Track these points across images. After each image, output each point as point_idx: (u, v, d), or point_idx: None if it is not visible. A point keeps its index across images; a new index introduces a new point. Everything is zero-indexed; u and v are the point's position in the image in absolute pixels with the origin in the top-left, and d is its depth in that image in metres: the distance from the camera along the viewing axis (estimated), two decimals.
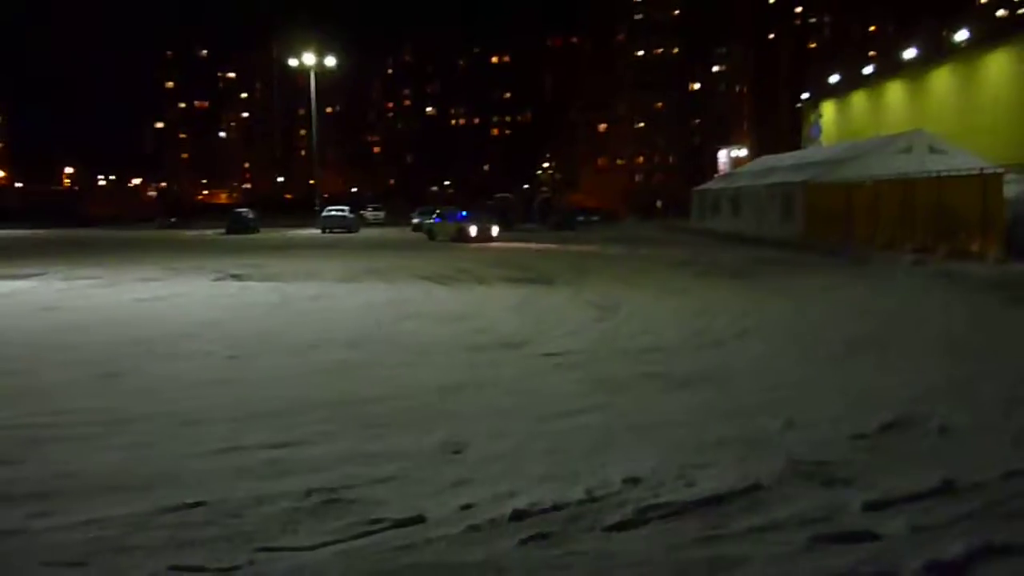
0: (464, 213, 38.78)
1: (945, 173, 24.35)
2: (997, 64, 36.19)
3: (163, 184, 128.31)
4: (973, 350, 9.38)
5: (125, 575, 3.77)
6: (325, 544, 4.07)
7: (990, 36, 40.46)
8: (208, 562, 3.90)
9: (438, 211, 43.00)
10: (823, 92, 56.67)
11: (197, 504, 4.59)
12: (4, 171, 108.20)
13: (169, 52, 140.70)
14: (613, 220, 63.60)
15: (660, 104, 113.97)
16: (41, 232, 48.37)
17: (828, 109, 53.83)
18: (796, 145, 57.81)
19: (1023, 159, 23.52)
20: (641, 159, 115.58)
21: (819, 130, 53.48)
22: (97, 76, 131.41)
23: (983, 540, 4.00)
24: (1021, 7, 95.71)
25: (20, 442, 5.90)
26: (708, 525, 4.31)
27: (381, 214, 66.04)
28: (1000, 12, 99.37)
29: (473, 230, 35.10)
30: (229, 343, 10.17)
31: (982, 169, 23.23)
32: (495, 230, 36.86)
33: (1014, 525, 4.27)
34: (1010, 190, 21.52)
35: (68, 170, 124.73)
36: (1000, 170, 22.57)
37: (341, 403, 7.02)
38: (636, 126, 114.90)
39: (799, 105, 61.22)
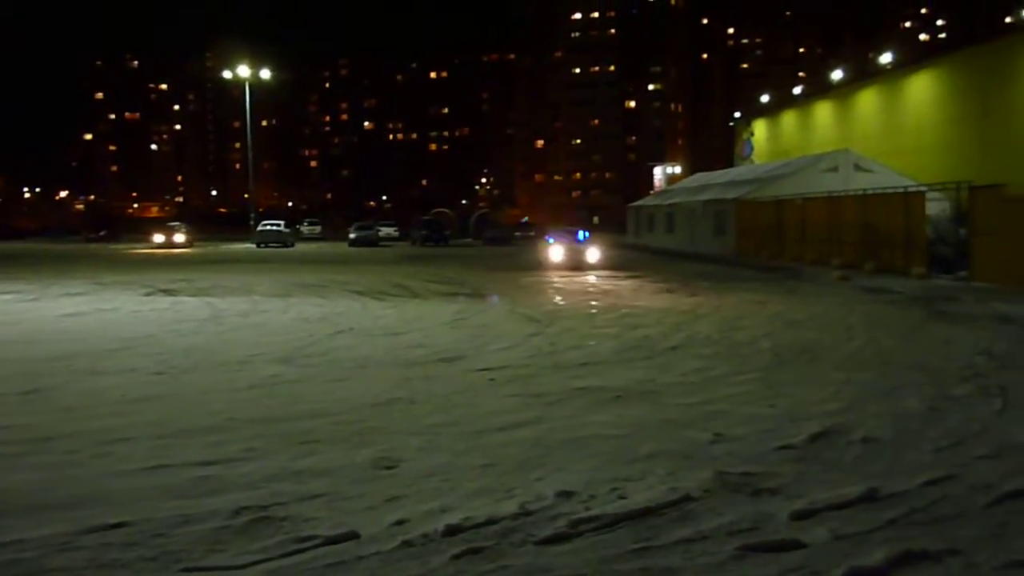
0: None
1: (870, 191, 25.09)
2: (919, 86, 37.46)
3: (91, 197, 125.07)
4: (896, 362, 9.66)
5: None
6: (254, 563, 4.00)
7: (913, 59, 41.88)
8: None
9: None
10: (755, 111, 57.99)
11: (120, 524, 4.47)
12: None
13: (99, 62, 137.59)
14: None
15: (596, 121, 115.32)
16: None
17: (760, 128, 55.06)
18: (729, 162, 59.04)
19: (944, 178, 24.34)
20: (578, 175, 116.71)
21: (751, 148, 54.64)
22: (23, 85, 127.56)
23: (903, 547, 4.12)
24: (942, 32, 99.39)
25: None
26: (639, 537, 4.35)
27: (317, 228, 65.46)
28: (922, 36, 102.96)
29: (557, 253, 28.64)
30: (157, 359, 9.94)
31: (906, 188, 23.99)
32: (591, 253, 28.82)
33: (933, 531, 4.40)
34: (932, 208, 22.27)
35: None
36: (923, 188, 23.33)
37: (272, 420, 6.91)
38: (573, 143, 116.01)
39: (732, 123, 62.49)
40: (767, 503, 4.85)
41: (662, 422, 6.82)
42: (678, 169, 74.73)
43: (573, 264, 28.04)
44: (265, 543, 4.24)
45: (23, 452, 5.96)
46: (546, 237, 31.85)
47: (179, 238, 47.49)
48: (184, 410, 7.29)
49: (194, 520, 4.57)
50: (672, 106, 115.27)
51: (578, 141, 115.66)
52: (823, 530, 4.40)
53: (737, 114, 62.16)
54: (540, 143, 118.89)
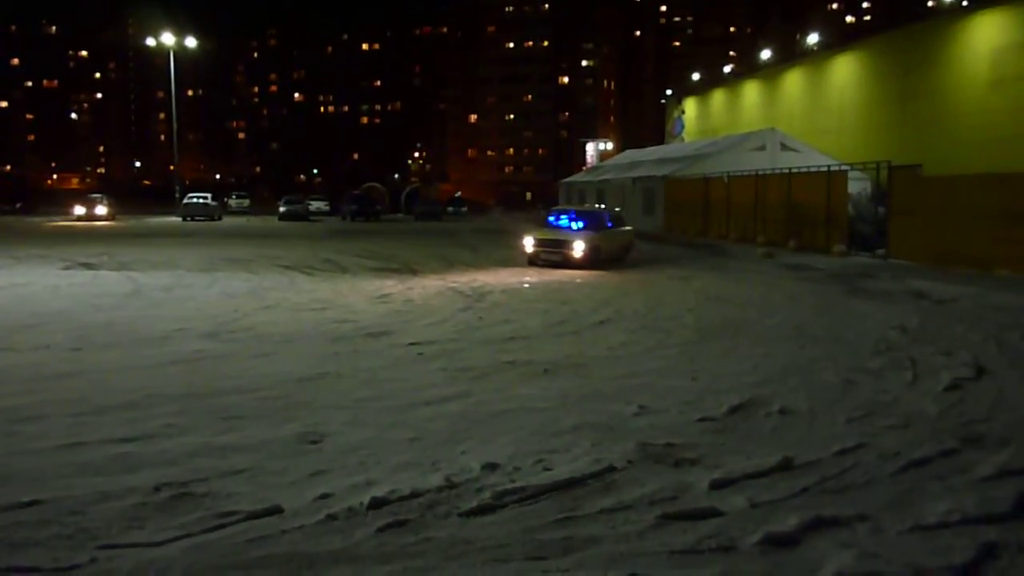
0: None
1: (795, 170, 25.65)
2: (843, 67, 38.31)
3: (7, 167, 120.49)
4: (814, 336, 9.95)
5: None
6: (174, 539, 3.95)
7: (838, 41, 42.82)
8: (45, 562, 3.71)
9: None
10: (686, 89, 58.64)
11: (33, 503, 4.36)
12: None
13: (13, 27, 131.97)
14: (482, 211, 63.97)
15: (529, 97, 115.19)
16: None
17: (690, 106, 55.71)
18: (660, 140, 59.67)
19: (865, 158, 25.00)
20: (511, 151, 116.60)
21: (682, 126, 55.28)
22: None
23: (815, 513, 4.26)
24: (868, 14, 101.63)
25: None
26: (563, 508, 4.41)
27: (246, 202, 64.22)
28: (848, 18, 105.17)
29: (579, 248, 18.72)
30: (74, 335, 9.67)
31: (829, 167, 24.58)
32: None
33: (843, 498, 4.57)
34: (853, 187, 22.88)
35: None
36: (845, 168, 23.95)
37: (194, 395, 6.79)
38: (506, 118, 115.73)
39: (663, 101, 63.10)
40: (687, 473, 4.97)
41: (587, 395, 6.91)
42: (610, 146, 75.17)
43: (484, 241, 26.76)
44: (185, 519, 4.18)
45: None
46: (550, 218, 20.74)
47: (101, 211, 46.06)
48: (102, 387, 7.11)
49: (112, 497, 4.48)
50: (604, 83, 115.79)
51: (511, 117, 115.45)
52: (740, 498, 4.52)
53: (668, 92, 62.75)
54: (473, 118, 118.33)
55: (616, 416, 6.23)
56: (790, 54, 48.62)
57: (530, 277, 16.62)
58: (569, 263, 18.44)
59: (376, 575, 3.61)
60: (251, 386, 7.15)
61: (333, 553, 3.84)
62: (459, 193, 72.78)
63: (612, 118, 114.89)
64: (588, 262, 18.39)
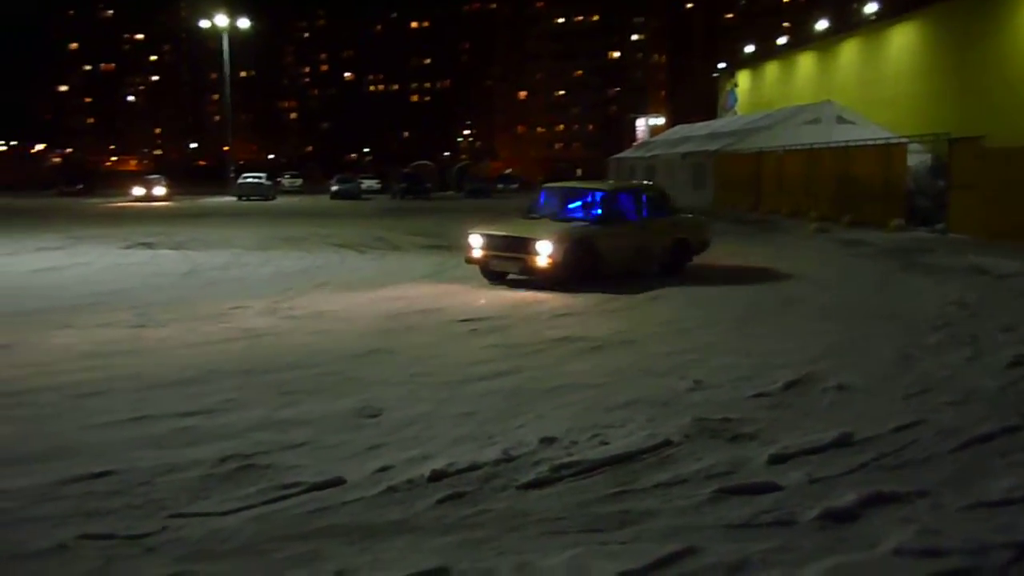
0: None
1: (852, 143, 25.16)
2: (901, 37, 37.36)
3: (68, 150, 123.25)
4: (870, 312, 9.80)
5: (32, 545, 3.70)
6: (239, 509, 4.06)
7: (895, 9, 41.71)
8: (119, 530, 3.85)
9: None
10: (738, 62, 57.72)
11: (103, 474, 4.51)
12: None
13: (71, 11, 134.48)
14: (532, 188, 63.84)
15: (579, 72, 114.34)
16: None
17: (743, 79, 54.84)
18: (712, 114, 58.85)
19: (923, 130, 24.43)
20: (560, 127, 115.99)
21: (734, 100, 54.47)
22: None
23: (874, 489, 4.23)
24: None
25: None
26: (619, 481, 4.43)
27: (298, 181, 64.91)
28: None
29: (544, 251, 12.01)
30: (135, 312, 9.91)
31: (888, 140, 24.07)
32: None
33: (903, 474, 4.52)
34: (912, 160, 22.38)
35: None
36: (904, 140, 23.42)
37: (253, 371, 6.95)
38: (555, 94, 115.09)
39: (715, 75, 62.19)
40: (744, 448, 4.95)
41: (640, 371, 6.92)
42: (660, 121, 74.42)
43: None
44: (249, 490, 4.29)
45: None
46: (540, 199, 13.78)
47: (158, 191, 46.99)
48: (163, 362, 7.31)
49: (178, 469, 4.62)
50: (655, 57, 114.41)
51: (560, 93, 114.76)
52: (798, 473, 4.50)
53: (720, 65, 61.83)
54: (522, 95, 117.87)
55: (670, 391, 6.22)
56: (846, 24, 47.53)
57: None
58: (534, 276, 11.71)
59: (436, 546, 3.67)
60: (307, 362, 7.28)
61: (394, 524, 3.91)
62: (509, 170, 72.69)
63: (663, 93, 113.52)
64: (559, 275, 11.38)
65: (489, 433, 5.22)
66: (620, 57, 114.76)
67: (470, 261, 12.44)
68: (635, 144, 61.83)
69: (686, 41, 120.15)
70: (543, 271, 11.42)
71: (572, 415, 5.60)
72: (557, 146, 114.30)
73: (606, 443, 5.00)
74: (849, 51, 42.13)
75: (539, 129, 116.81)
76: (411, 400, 6.03)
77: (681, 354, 7.56)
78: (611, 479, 4.47)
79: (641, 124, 73.23)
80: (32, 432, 5.34)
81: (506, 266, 12.03)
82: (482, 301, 10.96)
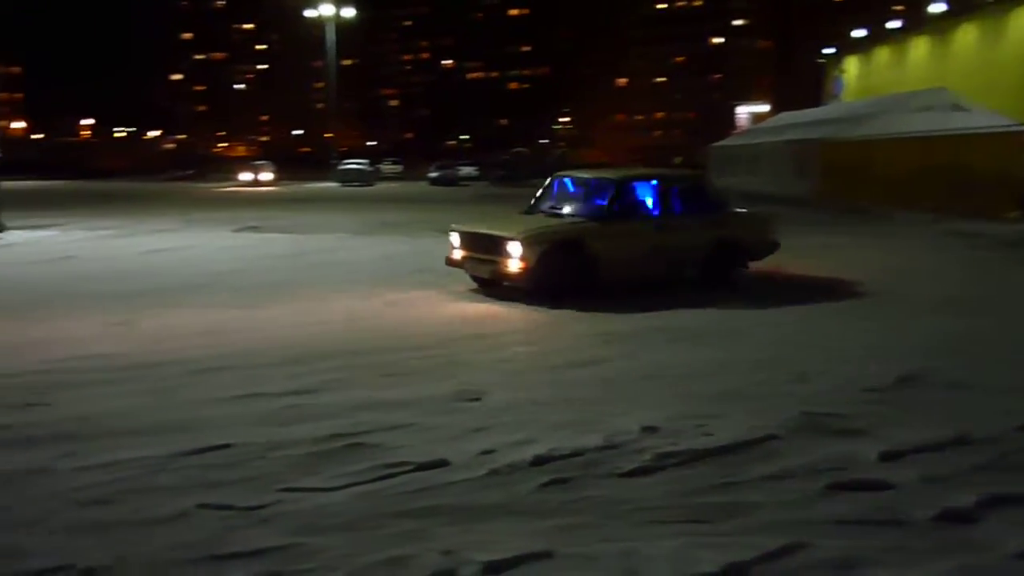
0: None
1: (967, 131, 24.07)
2: (1022, 21, 35.48)
3: (181, 137, 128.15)
4: (984, 307, 9.38)
5: (156, 512, 3.88)
6: (347, 486, 4.17)
7: None
8: (235, 501, 4.00)
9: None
10: (846, 47, 55.80)
11: (221, 447, 4.71)
12: (23, 123, 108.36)
13: (184, 2, 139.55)
14: None
15: (680, 58, 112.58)
16: (58, 183, 48.52)
17: (851, 64, 53.01)
18: (817, 101, 57.11)
19: None
20: (660, 115, 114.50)
21: (841, 86, 52.72)
22: (113, 29, 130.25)
23: (993, 490, 4.06)
24: None
25: (40, 387, 6.01)
26: (724, 473, 4.38)
27: (398, 168, 65.91)
28: None
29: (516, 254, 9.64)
30: (243, 293, 10.26)
31: (1007, 127, 22.94)
32: None
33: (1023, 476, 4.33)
34: None
35: (86, 122, 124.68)
36: (1022, 128, 22.29)
37: (358, 352, 7.11)
38: (654, 81, 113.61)
39: (822, 60, 60.28)
40: (854, 444, 4.81)
41: (743, 361, 6.80)
42: (763, 108, 72.67)
43: None
44: (356, 468, 4.40)
45: (116, 379, 6.26)
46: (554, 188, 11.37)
47: (265, 176, 48.46)
48: (272, 342, 7.55)
49: (288, 445, 4.76)
50: (758, 43, 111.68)
51: (660, 80, 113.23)
52: (911, 472, 4.36)
53: (827, 50, 59.90)
54: (621, 82, 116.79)
55: (774, 383, 6.10)
56: (963, 7, 45.40)
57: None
58: (509, 283, 9.88)
59: (539, 529, 3.70)
60: (410, 344, 7.41)
61: (497, 507, 3.96)
62: (605, 160, 72.21)
63: (766, 79, 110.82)
64: (534, 284, 9.52)
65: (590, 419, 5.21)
66: (722, 43, 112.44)
67: (450, 263, 10.54)
68: (736, 132, 60.55)
69: (791, 26, 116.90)
70: (515, 278, 9.53)
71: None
72: (656, 133, 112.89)
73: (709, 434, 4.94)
74: (966, 35, 40.22)
75: (637, 116, 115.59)
76: (511, 384, 6.07)
77: (784, 345, 7.38)
78: (714, 470, 4.42)
79: (742, 111, 71.66)
80: (153, 405, 5.59)
81: (479, 270, 10.16)
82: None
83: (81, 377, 6.28)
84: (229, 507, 3.95)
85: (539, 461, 4.47)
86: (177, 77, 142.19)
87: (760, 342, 7.58)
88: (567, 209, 10.43)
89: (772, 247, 11.11)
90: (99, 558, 3.43)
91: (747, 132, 54.01)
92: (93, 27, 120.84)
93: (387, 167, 64.57)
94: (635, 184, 10.73)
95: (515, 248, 9.34)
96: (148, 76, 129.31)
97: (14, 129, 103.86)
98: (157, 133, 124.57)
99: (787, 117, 48.44)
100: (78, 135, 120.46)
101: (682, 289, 10.20)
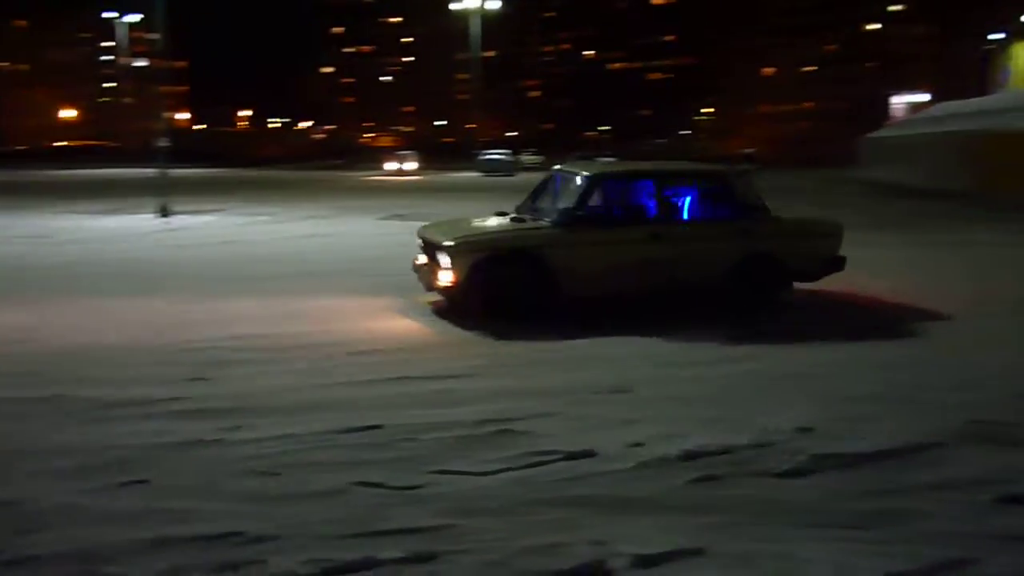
0: None
1: None
2: None
3: (332, 127, 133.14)
4: None
5: (314, 486, 4.05)
6: (499, 471, 4.23)
7: None
8: (388, 480, 4.12)
9: None
10: (1015, 32, 52.25)
11: (374, 427, 4.86)
12: (187, 113, 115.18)
13: None
14: (773, 169, 61.36)
15: (832, 47, 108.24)
16: (217, 171, 51.24)
17: (1020, 51, 49.61)
18: (982, 90, 53.77)
19: None
20: (809, 105, 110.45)
21: (1009, 74, 49.44)
22: (267, 23, 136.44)
23: None
24: None
25: (203, 364, 6.35)
26: (883, 479, 4.19)
27: (538, 158, 66.25)
28: None
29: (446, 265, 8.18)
30: (398, 278, 10.50)
31: None
32: None
33: None
34: None
35: (242, 113, 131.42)
36: None
37: (503, 339, 7.18)
38: (803, 70, 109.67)
39: (987, 47, 56.67)
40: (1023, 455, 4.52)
41: (895, 363, 6.48)
42: (922, 97, 68.97)
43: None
44: (506, 454, 4.45)
45: (274, 359, 6.55)
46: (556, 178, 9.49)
47: (410, 166, 49.75)
48: (413, 329, 7.78)
49: (438, 428, 4.87)
50: (917, 28, 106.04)
51: (810, 68, 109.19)
52: None
53: (994, 36, 56.28)
54: (767, 71, 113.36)
55: (933, 388, 5.78)
56: None
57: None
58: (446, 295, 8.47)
59: (690, 526, 3.64)
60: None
61: (647, 500, 3.92)
62: (750, 149, 70.32)
63: (924, 68, 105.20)
64: (469, 302, 8.03)
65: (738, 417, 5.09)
66: (878, 29, 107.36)
67: (415, 268, 8.98)
68: (892, 122, 57.78)
69: (954, 10, 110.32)
70: (445, 293, 8.24)
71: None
72: (804, 125, 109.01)
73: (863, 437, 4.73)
74: None
75: (784, 107, 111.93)
76: (659, 378, 6.01)
77: (941, 348, 6.99)
78: (873, 475, 4.23)
79: (898, 101, 68.31)
80: (309, 384, 5.83)
81: (425, 279, 8.60)
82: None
83: (241, 355, 6.61)
84: (381, 485, 4.08)
85: (688, 456, 4.40)
86: (327, 70, 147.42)
87: (921, 346, 7.19)
88: (543, 210, 8.69)
89: (831, 265, 8.79)
90: (265, 527, 3.60)
91: (904, 123, 51.46)
92: (251, 23, 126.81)
93: (527, 158, 65.03)
94: (616, 182, 8.89)
95: (444, 258, 7.96)
96: (300, 69, 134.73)
97: (178, 120, 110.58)
98: (308, 124, 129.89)
99: (948, 107, 45.84)
100: (235, 125, 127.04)
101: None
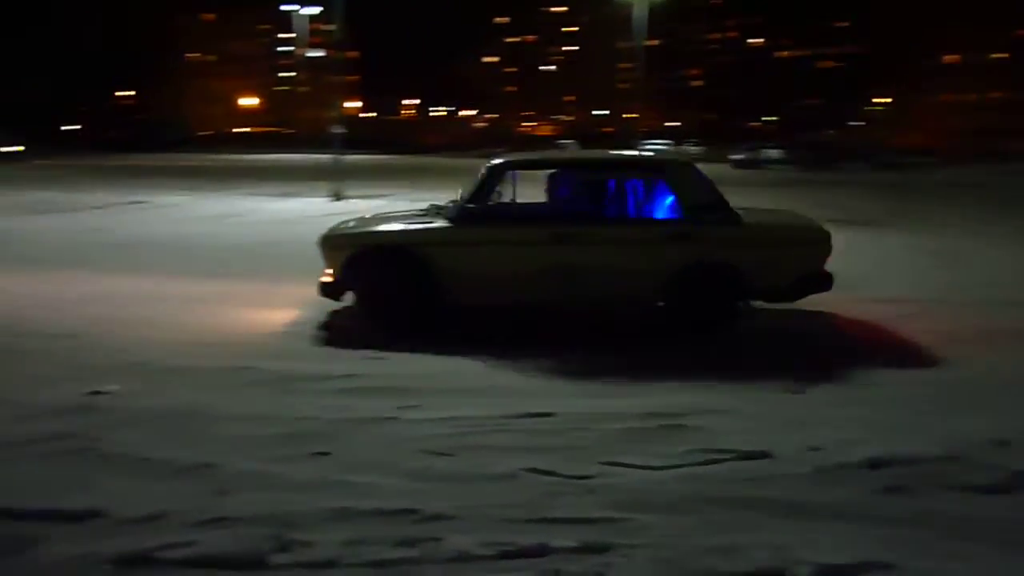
0: None
1: None
2: None
3: (493, 116, 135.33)
4: None
5: (487, 470, 4.11)
6: (672, 467, 4.17)
7: None
8: (559, 468, 4.14)
9: None
10: None
11: (546, 414, 4.89)
12: (359, 102, 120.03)
13: None
14: (952, 164, 57.69)
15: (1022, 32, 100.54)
16: (384, 157, 52.93)
17: None
18: None
19: None
20: (996, 94, 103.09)
21: None
22: (435, 13, 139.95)
23: None
24: None
25: (376, 343, 6.52)
26: None
27: (699, 149, 64.98)
28: None
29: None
30: None
31: None
32: None
33: None
34: None
35: (409, 102, 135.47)
36: None
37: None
38: (990, 56, 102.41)
39: None
40: None
41: None
42: None
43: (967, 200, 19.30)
44: (679, 449, 4.37)
45: (447, 340, 6.64)
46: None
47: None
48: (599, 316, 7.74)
49: (608, 419, 4.84)
50: None
51: (1000, 55, 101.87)
52: None
53: None
54: (950, 58, 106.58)
55: None
56: None
57: (1012, 239, 14.41)
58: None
59: (875, 537, 3.47)
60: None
61: (827, 507, 3.76)
62: (929, 145, 66.38)
63: None
64: (357, 302, 7.16)
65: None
66: None
67: None
68: None
69: None
70: (326, 294, 7.19)
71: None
72: (989, 116, 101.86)
73: None
74: None
75: (968, 96, 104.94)
76: (836, 379, 5.77)
77: None
78: None
79: None
80: (484, 368, 5.96)
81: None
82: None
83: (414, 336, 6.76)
84: (553, 473, 4.09)
85: (872, 464, 4.19)
86: (491, 59, 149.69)
87: None
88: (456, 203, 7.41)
89: (811, 281, 7.08)
90: (440, 506, 3.69)
91: None
92: (420, 15, 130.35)
93: (689, 148, 63.96)
94: (520, 172, 7.71)
95: (321, 251, 7.19)
96: (465, 59, 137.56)
97: (350, 108, 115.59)
98: (471, 113, 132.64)
99: None
100: (399, 114, 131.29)
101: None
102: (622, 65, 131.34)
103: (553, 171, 7.75)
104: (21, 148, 44.11)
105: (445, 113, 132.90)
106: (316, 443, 4.44)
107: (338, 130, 23.53)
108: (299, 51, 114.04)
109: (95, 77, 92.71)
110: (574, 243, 6.79)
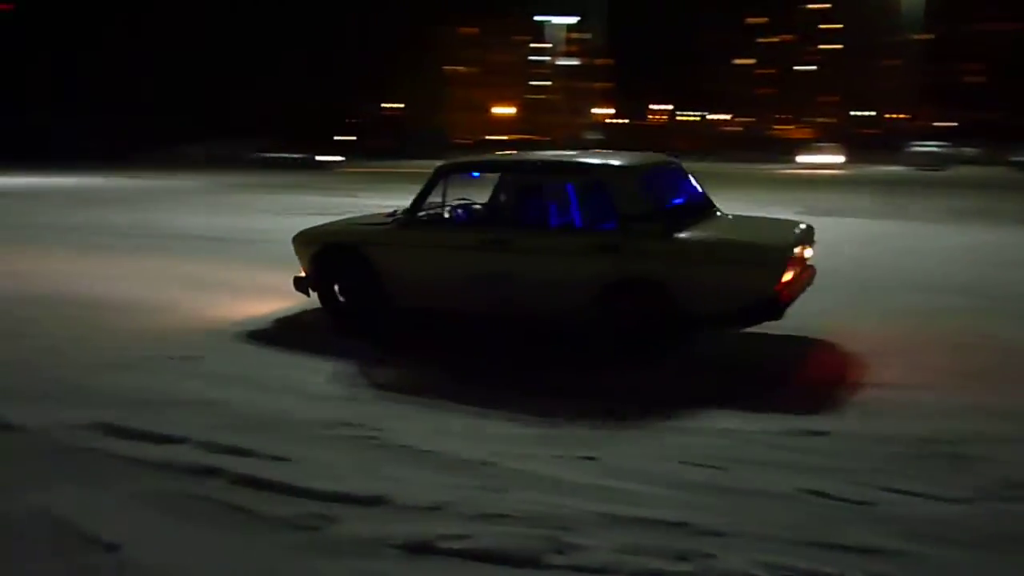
0: None
1: None
2: None
3: (748, 120, 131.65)
4: None
5: (759, 487, 4.04)
6: (962, 500, 3.87)
7: None
8: (837, 491, 3.96)
9: None
10: None
11: (819, 433, 4.73)
12: (611, 108, 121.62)
13: None
14: None
15: None
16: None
17: None
18: None
19: None
20: None
21: None
22: (687, 17, 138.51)
23: None
24: None
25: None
26: None
27: (976, 151, 59.35)
28: None
29: None
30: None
31: None
32: None
33: None
34: None
35: (659, 107, 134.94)
36: None
37: (927, 350, 6.57)
38: None
39: None
40: None
41: None
42: None
43: None
44: (965, 480, 4.07)
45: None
46: None
47: (832, 159, 47.90)
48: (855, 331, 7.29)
49: (887, 441, 4.59)
50: None
51: None
52: None
53: None
54: None
55: None
56: None
57: None
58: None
59: None
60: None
61: None
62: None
63: None
64: (323, 302, 7.37)
65: None
66: None
67: None
68: None
69: None
70: (300, 290, 7.48)
71: None
72: None
73: None
74: None
75: None
76: None
77: None
78: None
79: None
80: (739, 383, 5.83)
81: None
82: None
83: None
84: (825, 495, 3.93)
85: None
86: (745, 62, 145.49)
87: None
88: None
89: (758, 308, 5.93)
90: (711, 521, 3.65)
91: None
92: (672, 20, 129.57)
93: (966, 150, 58.71)
94: (462, 175, 7.34)
95: (293, 248, 7.56)
96: (717, 62, 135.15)
97: (602, 115, 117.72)
98: (721, 117, 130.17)
99: None
100: (646, 119, 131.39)
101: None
102: (888, 62, 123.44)
103: (497, 174, 7.58)
104: (342, 158, 52.47)
105: (697, 118, 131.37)
106: (585, 447, 4.56)
107: (594, 136, 23.89)
108: (554, 60, 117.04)
109: (363, 90, 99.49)
110: (501, 250, 6.47)
